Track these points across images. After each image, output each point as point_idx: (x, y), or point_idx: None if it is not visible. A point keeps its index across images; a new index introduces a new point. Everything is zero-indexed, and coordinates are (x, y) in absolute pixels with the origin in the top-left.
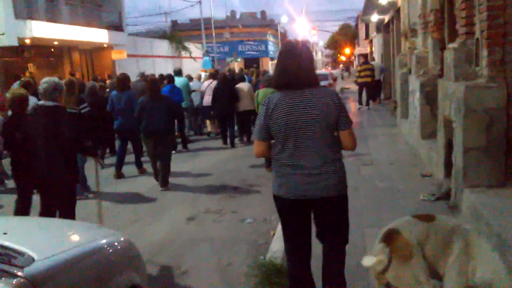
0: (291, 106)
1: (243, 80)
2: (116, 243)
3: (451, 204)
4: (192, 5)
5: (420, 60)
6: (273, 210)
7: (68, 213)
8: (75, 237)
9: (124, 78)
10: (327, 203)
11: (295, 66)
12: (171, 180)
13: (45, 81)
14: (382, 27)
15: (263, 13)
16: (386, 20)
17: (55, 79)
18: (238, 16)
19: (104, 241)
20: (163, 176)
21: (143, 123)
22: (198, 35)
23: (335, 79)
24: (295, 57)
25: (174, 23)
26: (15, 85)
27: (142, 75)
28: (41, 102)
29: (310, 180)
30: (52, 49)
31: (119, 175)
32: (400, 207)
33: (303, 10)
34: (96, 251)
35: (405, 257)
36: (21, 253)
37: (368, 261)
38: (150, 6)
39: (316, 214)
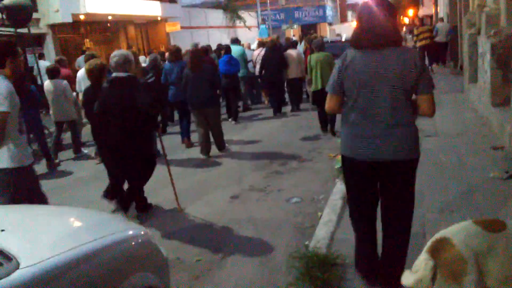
0: (367, 63)
1: (294, 46)
2: (128, 240)
3: None
4: None
5: (491, 19)
6: (322, 189)
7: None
8: (81, 234)
9: (176, 50)
10: (396, 167)
11: (374, 24)
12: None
13: (115, 55)
14: None
15: None
16: None
17: (124, 51)
18: None
19: (114, 238)
20: (218, 142)
21: (188, 95)
22: (253, 3)
23: None
24: (374, 15)
25: None
26: (81, 60)
27: (196, 46)
28: (115, 74)
29: (381, 142)
30: (108, 24)
31: (188, 145)
32: (468, 186)
33: None
34: (103, 251)
35: (455, 275)
36: (8, 258)
37: (407, 279)
38: None
39: (383, 182)
